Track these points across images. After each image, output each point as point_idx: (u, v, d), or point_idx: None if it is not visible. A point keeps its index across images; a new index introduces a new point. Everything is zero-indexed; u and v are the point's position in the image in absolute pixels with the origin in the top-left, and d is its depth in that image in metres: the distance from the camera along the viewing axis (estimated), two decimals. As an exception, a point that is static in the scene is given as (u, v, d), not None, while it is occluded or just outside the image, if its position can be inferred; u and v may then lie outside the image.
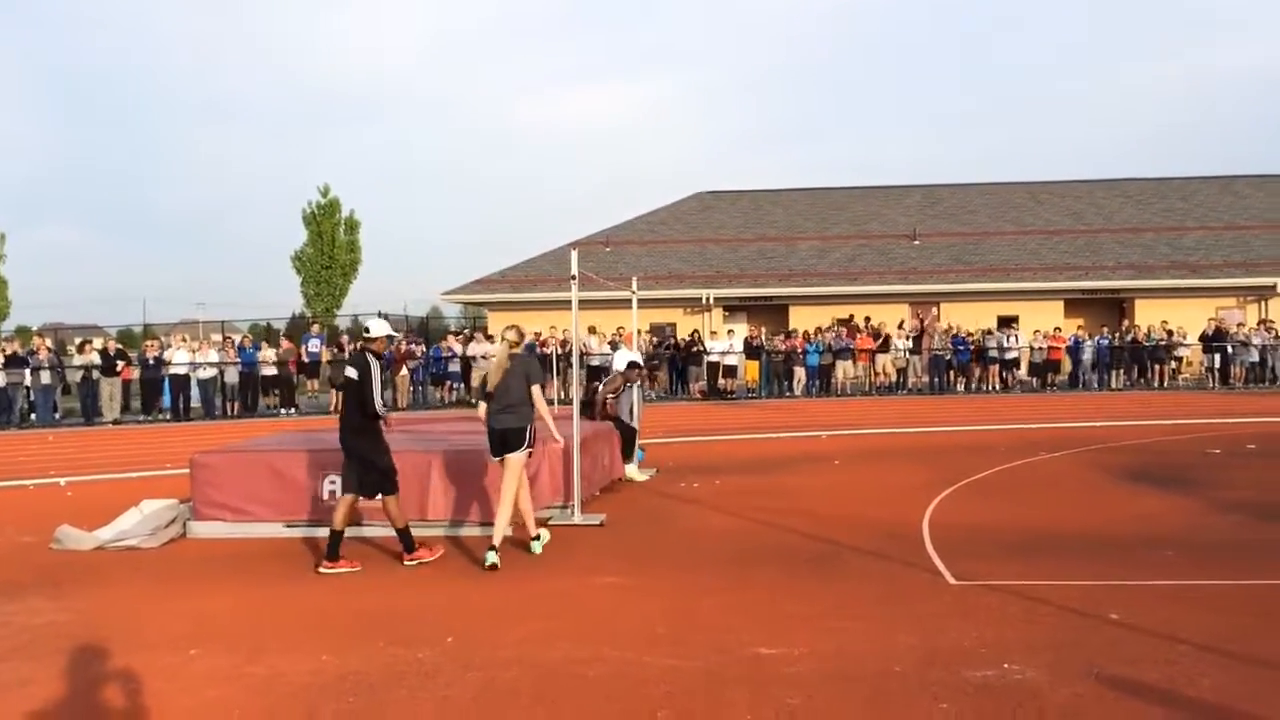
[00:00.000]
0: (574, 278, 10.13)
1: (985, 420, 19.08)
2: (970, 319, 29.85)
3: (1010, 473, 12.46)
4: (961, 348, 27.29)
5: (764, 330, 28.71)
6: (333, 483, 9.38)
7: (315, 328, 27.21)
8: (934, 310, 32.23)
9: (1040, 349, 27.46)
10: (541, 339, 26.30)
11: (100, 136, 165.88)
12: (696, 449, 15.64)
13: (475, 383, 25.78)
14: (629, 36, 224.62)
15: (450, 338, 27.75)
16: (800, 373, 26.75)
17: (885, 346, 27.05)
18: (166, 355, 24.09)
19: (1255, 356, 26.99)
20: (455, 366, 26.23)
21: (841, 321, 28.68)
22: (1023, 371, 28.11)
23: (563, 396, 15.82)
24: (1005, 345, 27.55)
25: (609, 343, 25.76)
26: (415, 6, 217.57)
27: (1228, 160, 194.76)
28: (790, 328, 30.05)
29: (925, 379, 27.32)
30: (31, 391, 23.42)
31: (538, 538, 8.39)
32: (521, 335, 8.66)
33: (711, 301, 33.49)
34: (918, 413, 21.21)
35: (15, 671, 5.66)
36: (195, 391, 24.31)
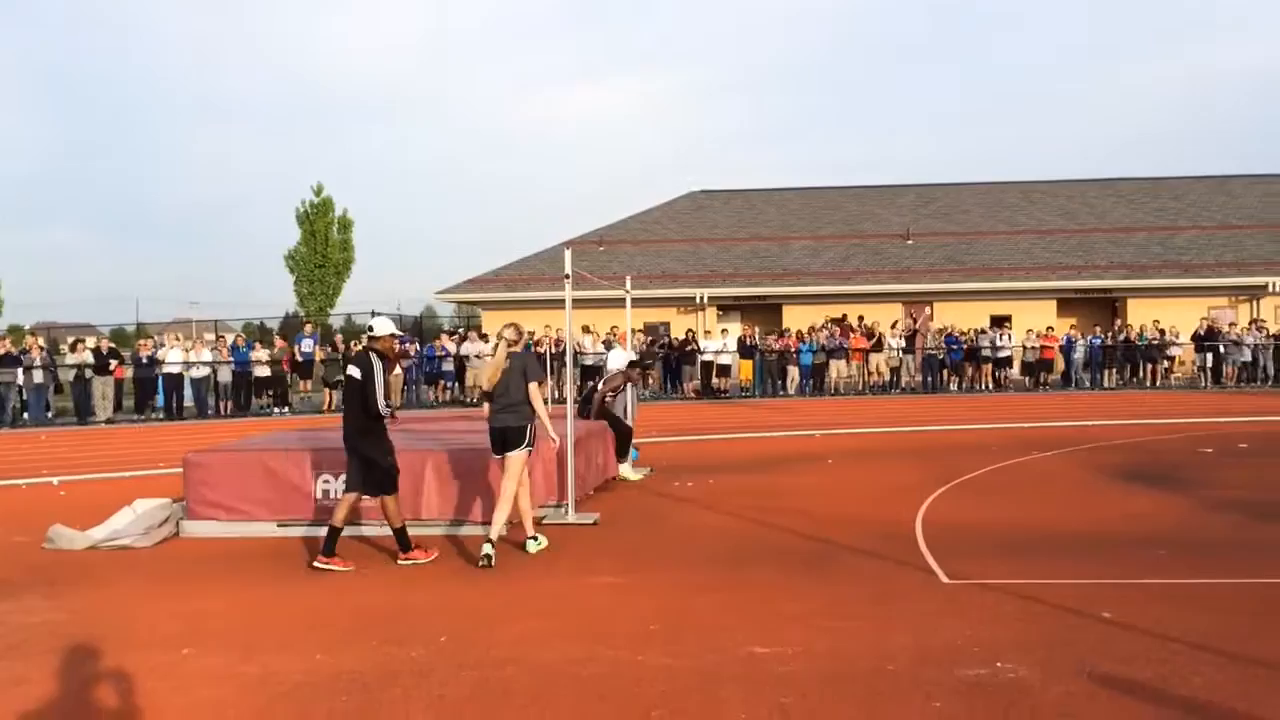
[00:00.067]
0: (568, 277, 10.14)
1: (978, 419, 19.11)
2: (963, 318, 29.91)
3: (1003, 472, 12.48)
4: (955, 347, 27.33)
5: (757, 330, 28.72)
6: (326, 482, 9.40)
7: (308, 327, 27.16)
8: (927, 310, 32.27)
9: (1033, 348, 27.49)
10: (536, 338, 26.29)
11: (94, 136, 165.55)
12: (690, 448, 15.65)
13: (470, 383, 25.83)
14: (624, 36, 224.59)
15: (444, 337, 27.73)
16: (794, 372, 26.77)
17: (879, 346, 27.07)
18: (160, 354, 24.03)
19: (1247, 356, 27.06)
20: (449, 366, 26.20)
21: (835, 321, 28.71)
22: (1015, 371, 28.16)
23: (556, 396, 15.80)
24: (998, 344, 27.59)
25: (603, 342, 25.76)
26: (411, 6, 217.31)
27: (1220, 160, 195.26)
28: (784, 327, 30.07)
29: (918, 378, 27.34)
30: (24, 391, 23.34)
31: (534, 538, 8.38)
32: (520, 333, 8.64)
33: (705, 301, 33.50)
34: (911, 412, 21.23)
35: (9, 670, 5.65)
36: (189, 391, 24.26)
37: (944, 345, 27.36)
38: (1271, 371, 26.93)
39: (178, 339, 26.02)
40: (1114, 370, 27.70)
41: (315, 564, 7.97)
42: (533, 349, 24.37)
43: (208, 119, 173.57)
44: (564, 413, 10.14)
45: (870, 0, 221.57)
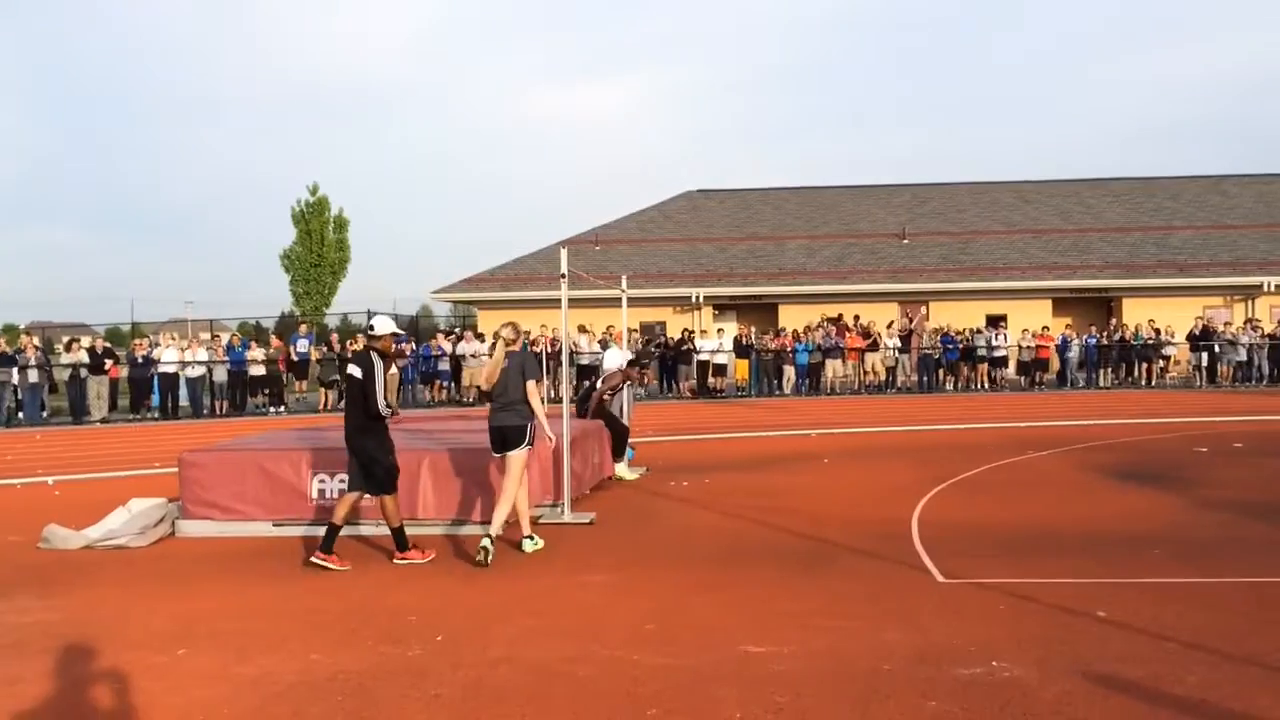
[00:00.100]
0: (564, 276, 10.13)
1: (974, 419, 19.13)
2: (959, 318, 29.94)
3: (998, 471, 12.50)
4: (950, 346, 27.37)
5: (753, 329, 28.74)
6: (322, 482, 9.39)
7: (303, 328, 27.13)
8: (923, 309, 32.29)
9: (1028, 348, 27.53)
10: (532, 338, 26.28)
11: (88, 134, 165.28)
12: (686, 448, 15.65)
13: (466, 382, 25.83)
14: (622, 36, 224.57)
15: (440, 336, 27.72)
16: (790, 371, 26.79)
17: (874, 345, 27.09)
18: (155, 354, 24.01)
19: (1242, 355, 27.12)
20: (445, 365, 26.20)
21: (831, 320, 28.73)
22: (1011, 370, 28.20)
23: (553, 395, 15.81)
24: (993, 344, 27.63)
25: (599, 341, 25.76)
26: (407, 5, 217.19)
27: (1215, 160, 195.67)
28: (780, 327, 30.09)
29: (914, 378, 27.38)
30: (19, 390, 23.28)
31: (530, 538, 8.38)
32: (517, 332, 8.63)
33: (701, 300, 33.51)
34: (907, 412, 21.25)
35: (3, 670, 5.64)
36: (184, 390, 24.23)
37: (940, 345, 27.39)
38: (1266, 371, 27.00)
39: (173, 338, 25.98)
40: (1109, 370, 27.76)
41: (312, 559, 7.97)
42: (528, 349, 24.39)
43: (204, 118, 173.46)
44: (560, 412, 10.14)
45: (866, 0, 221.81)
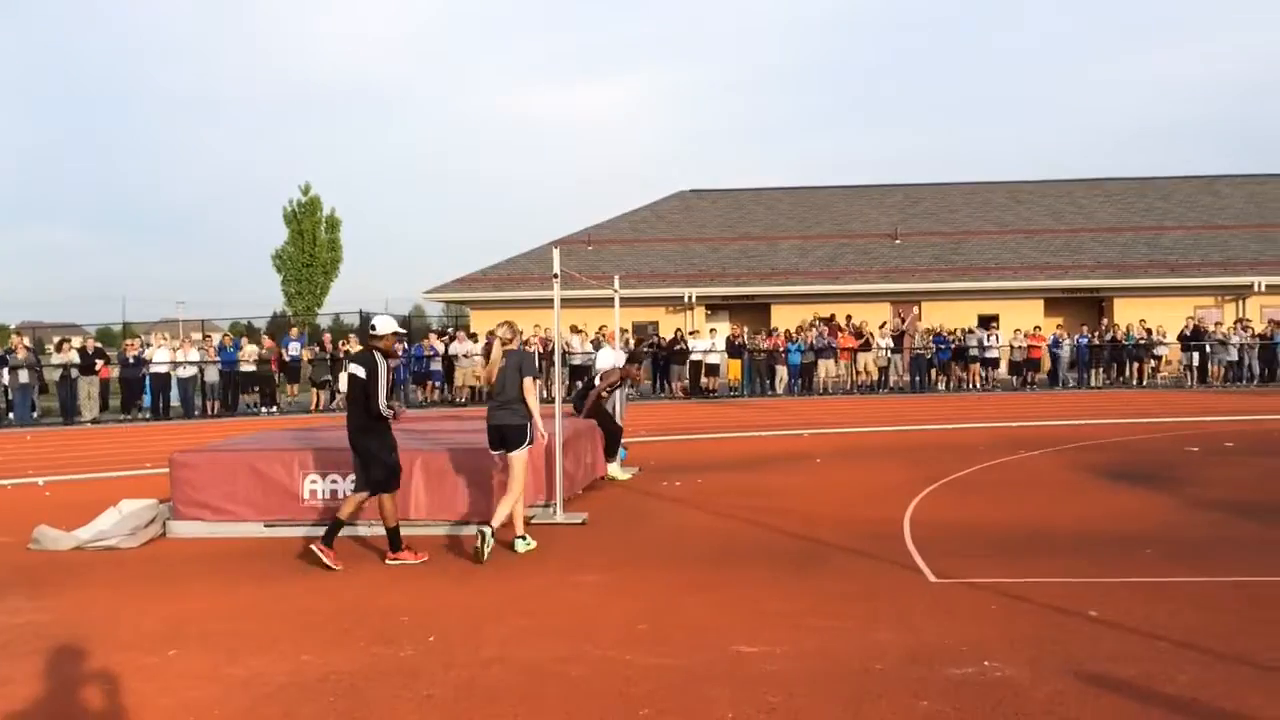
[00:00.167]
0: (556, 276, 10.12)
1: (966, 419, 19.16)
2: (951, 318, 30.00)
3: (990, 471, 12.51)
4: (942, 347, 27.41)
5: (746, 329, 28.75)
6: (314, 482, 9.37)
7: (295, 330, 27.05)
8: (915, 309, 32.35)
9: (1020, 348, 27.59)
10: (525, 338, 26.25)
11: (79, 134, 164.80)
12: (679, 448, 15.65)
13: (459, 382, 25.83)
14: (617, 36, 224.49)
15: (433, 336, 27.69)
16: (782, 371, 26.80)
17: (867, 345, 27.13)
18: (147, 354, 23.94)
19: (1233, 355, 27.20)
20: (437, 365, 26.16)
21: (823, 320, 28.76)
22: (1003, 370, 28.25)
23: (545, 395, 15.79)
24: (985, 344, 27.68)
25: (592, 342, 25.75)
26: (400, 5, 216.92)
27: (1207, 160, 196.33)
28: (772, 326, 30.12)
29: (906, 378, 27.41)
30: (9, 390, 23.21)
31: (523, 538, 8.38)
32: (514, 331, 8.65)
33: (694, 300, 33.52)
34: (899, 411, 21.28)
35: (-8, 672, 5.62)
36: (175, 390, 24.16)
37: (932, 345, 27.43)
38: (1257, 371, 27.08)
39: (164, 339, 25.91)
40: (1101, 370, 27.82)
41: (311, 546, 8.03)
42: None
43: (195, 117, 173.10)
44: (552, 411, 10.13)
45: (860, 1, 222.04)
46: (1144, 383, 27.58)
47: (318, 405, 24.46)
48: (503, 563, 8.02)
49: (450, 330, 30.83)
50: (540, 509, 9.70)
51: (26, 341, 24.71)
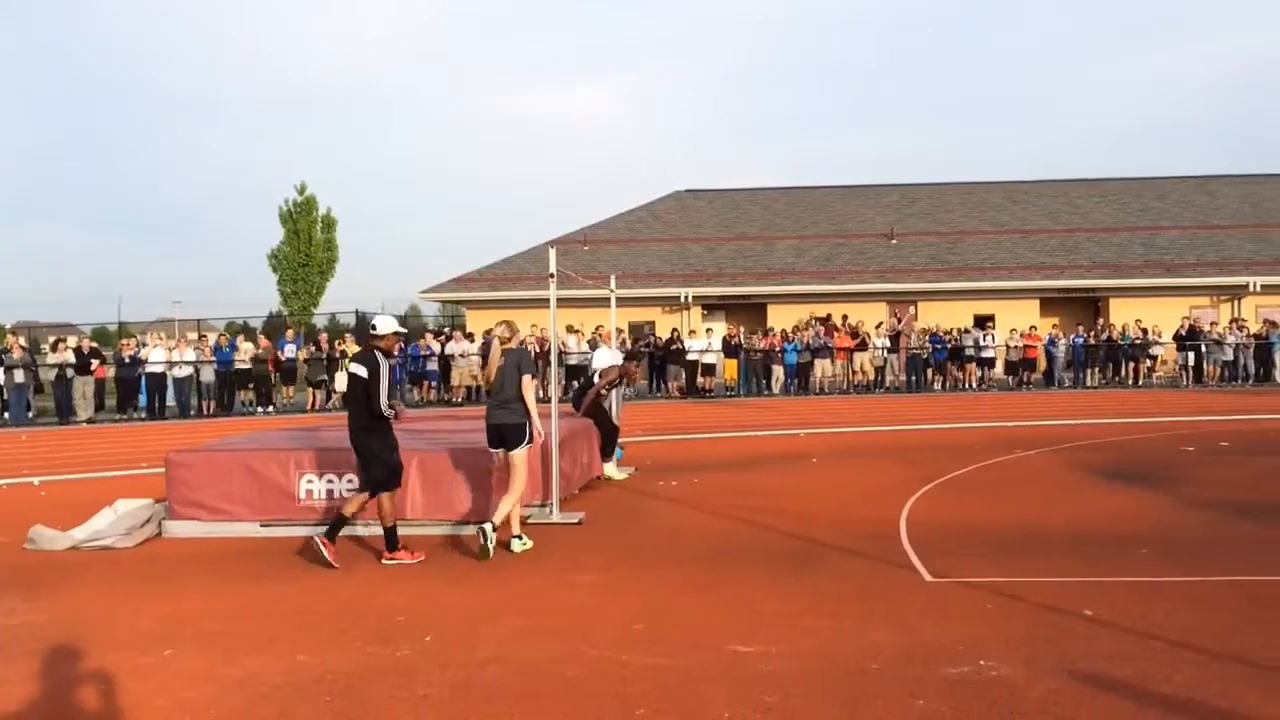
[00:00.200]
0: (552, 276, 10.12)
1: (962, 419, 19.17)
2: (947, 318, 30.01)
3: (986, 471, 12.52)
4: (938, 346, 27.44)
5: (742, 329, 28.77)
6: (310, 482, 9.37)
7: (290, 333, 26.99)
8: (911, 309, 32.36)
9: (1016, 348, 27.61)
10: (521, 338, 26.22)
11: (74, 134, 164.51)
12: (675, 447, 15.65)
13: (455, 382, 25.83)
14: (612, 35, 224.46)
15: (429, 336, 27.68)
16: (778, 371, 26.82)
17: (863, 345, 27.14)
18: (143, 354, 23.91)
19: (1229, 355, 27.24)
20: (433, 365, 26.15)
21: (819, 320, 28.76)
22: (999, 370, 28.27)
23: (541, 395, 15.79)
24: (981, 344, 27.70)
25: (588, 342, 25.75)
26: (394, 5, 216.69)
27: (1202, 161, 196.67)
28: (768, 326, 30.13)
29: (902, 378, 27.42)
30: (4, 390, 23.19)
31: (519, 538, 8.39)
32: (512, 330, 8.70)
33: (690, 300, 33.50)
34: (895, 411, 21.29)
35: (-12, 673, 5.61)
36: (171, 390, 24.13)
37: (928, 344, 27.45)
38: (1252, 370, 27.12)
39: (160, 338, 25.88)
40: (1096, 369, 27.85)
41: (314, 539, 8.08)
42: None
43: (190, 117, 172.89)
44: (549, 411, 10.13)
45: (855, 1, 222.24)
46: (1139, 382, 27.61)
47: (314, 405, 24.45)
48: (499, 563, 8.02)
49: (447, 330, 30.81)
50: (536, 509, 9.70)
51: (22, 341, 24.71)
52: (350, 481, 9.23)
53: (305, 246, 45.18)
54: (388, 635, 6.09)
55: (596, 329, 26.39)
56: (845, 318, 28.36)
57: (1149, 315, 28.84)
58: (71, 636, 6.22)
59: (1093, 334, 28.27)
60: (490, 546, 8.01)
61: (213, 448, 10.40)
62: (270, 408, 24.47)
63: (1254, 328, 28.48)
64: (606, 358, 13.15)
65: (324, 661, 5.62)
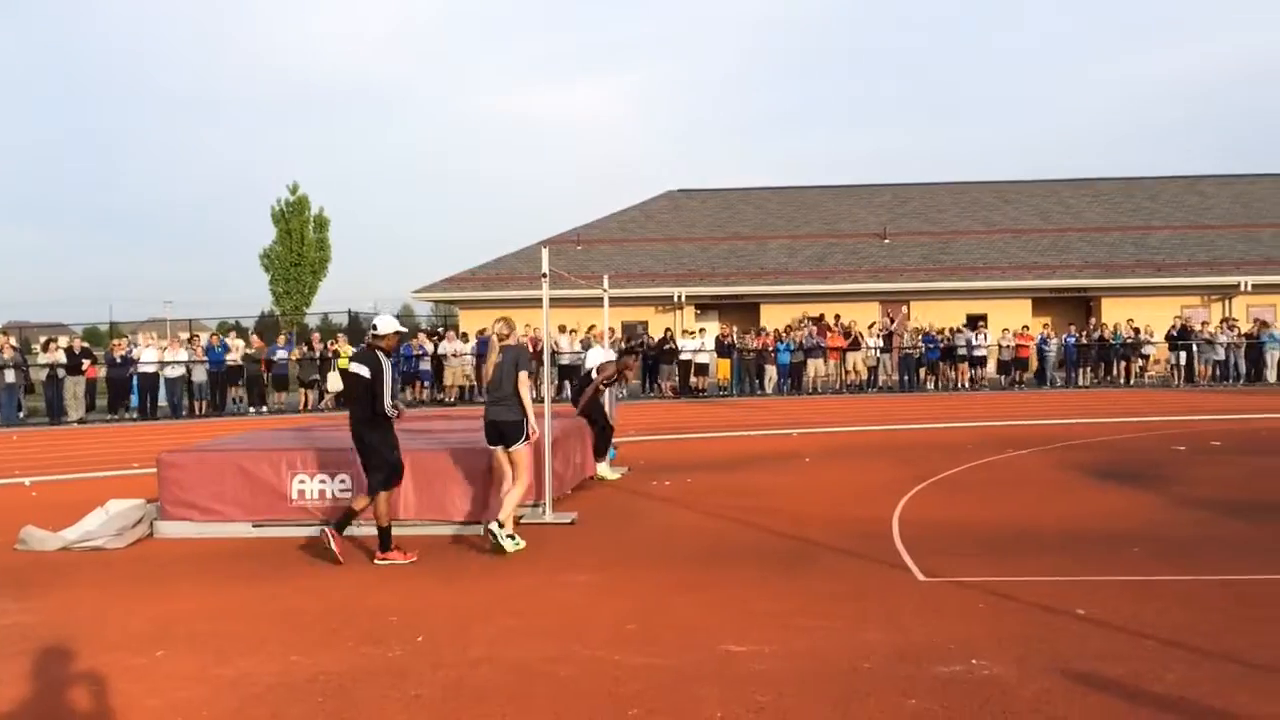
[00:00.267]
0: (545, 276, 10.11)
1: (954, 418, 19.20)
2: (940, 317, 30.06)
3: (978, 470, 12.55)
4: (931, 346, 27.48)
5: (735, 329, 28.79)
6: (302, 482, 9.35)
7: (281, 338, 26.89)
8: (904, 309, 32.42)
9: (1008, 347, 27.67)
10: (519, 335, 26.21)
11: (65, 133, 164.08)
12: (668, 447, 15.65)
13: (448, 381, 25.82)
14: (607, 35, 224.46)
15: (422, 335, 27.65)
16: (771, 371, 26.85)
17: (856, 345, 27.18)
18: (134, 354, 23.85)
19: (1220, 355, 27.32)
20: (426, 365, 26.12)
21: (812, 320, 28.80)
22: (991, 369, 28.33)
23: (534, 395, 15.78)
24: (974, 343, 27.75)
25: (581, 342, 25.75)
26: (400, 4, 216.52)
27: (1193, 161, 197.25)
28: (761, 326, 30.15)
29: (895, 377, 27.49)
30: (-5, 390, 23.12)
31: (512, 538, 8.38)
32: (510, 327, 8.75)
33: (683, 300, 33.53)
34: (888, 411, 21.32)
35: (-22, 674, 5.59)
36: (163, 390, 24.08)
37: (920, 344, 27.50)
38: (1243, 370, 27.21)
39: (152, 338, 25.82)
40: (1088, 369, 27.92)
41: (324, 529, 8.13)
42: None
43: (182, 116, 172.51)
44: (542, 411, 10.12)
45: (849, 1, 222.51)
46: (1131, 382, 27.69)
47: (306, 405, 24.41)
48: (491, 563, 8.01)
49: (440, 330, 30.78)
50: (529, 509, 9.69)
51: (13, 341, 24.61)
52: (343, 482, 9.22)
53: (297, 246, 45.08)
54: (380, 635, 6.08)
55: (590, 329, 26.39)
56: (838, 317, 28.40)
57: (1140, 315, 28.94)
58: (63, 637, 6.20)
59: (1084, 334, 28.34)
60: (502, 544, 8.07)
61: (204, 448, 10.37)
62: (264, 408, 24.42)
63: (1245, 327, 28.57)
64: (600, 357, 13.15)
65: (316, 662, 5.61)
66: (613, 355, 13.56)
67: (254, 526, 9.33)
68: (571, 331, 26.84)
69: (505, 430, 8.42)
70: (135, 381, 23.79)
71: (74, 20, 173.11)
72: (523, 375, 8.41)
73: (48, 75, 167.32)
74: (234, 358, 24.38)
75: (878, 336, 27.78)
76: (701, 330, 28.60)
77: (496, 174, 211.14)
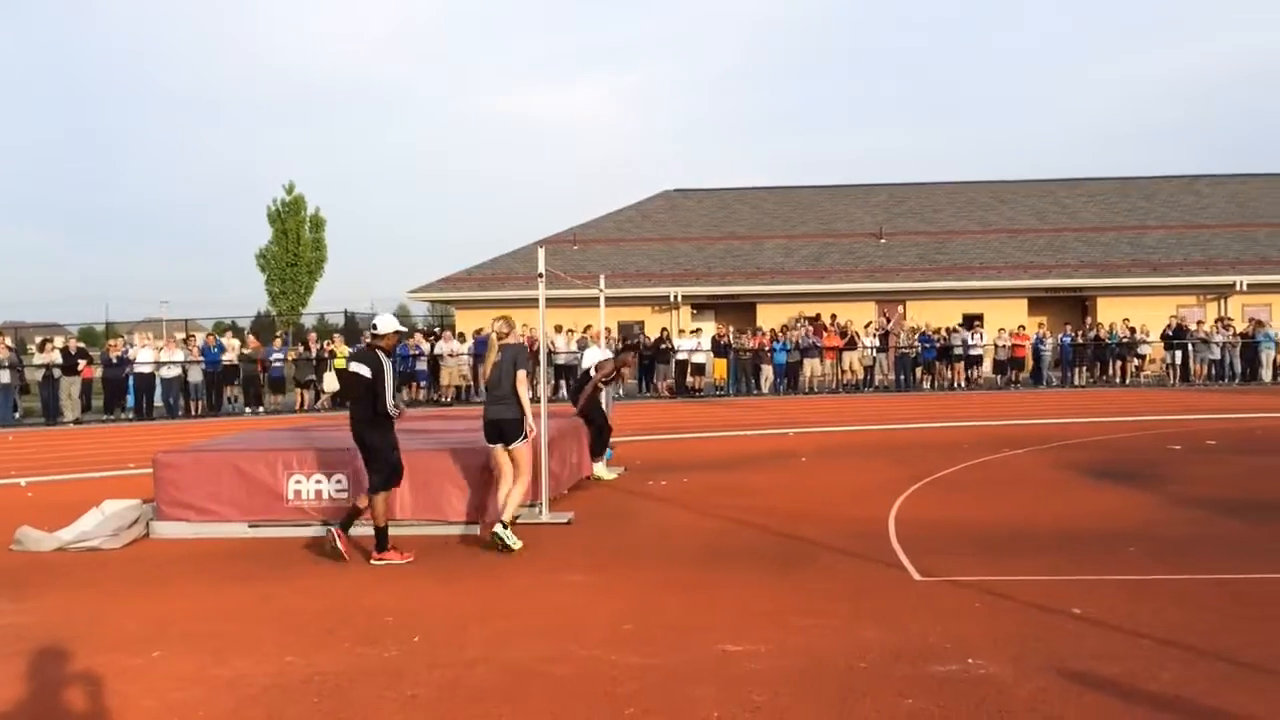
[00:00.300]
0: (541, 275, 10.11)
1: (950, 418, 19.22)
2: (936, 317, 30.09)
3: (975, 470, 12.56)
4: (927, 346, 27.50)
5: (731, 328, 28.80)
6: (298, 482, 9.34)
7: (277, 341, 26.87)
8: (900, 309, 32.44)
9: (1004, 347, 27.69)
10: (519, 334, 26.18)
11: (61, 133, 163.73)
12: (664, 447, 15.65)
13: (445, 381, 25.81)
14: (604, 35, 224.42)
15: (418, 336, 27.63)
16: (768, 371, 26.85)
17: (852, 345, 27.19)
18: (130, 354, 23.82)
19: (1216, 354, 27.37)
20: (422, 365, 26.10)
21: (808, 319, 28.80)
22: (987, 369, 28.35)
23: (530, 395, 15.78)
24: (970, 343, 27.78)
25: (577, 342, 25.74)
26: (400, 4, 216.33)
27: (1189, 160, 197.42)
28: (757, 326, 30.16)
29: (891, 377, 27.49)
30: (-9, 391, 23.08)
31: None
32: (510, 325, 8.75)
33: (679, 300, 33.53)
34: (884, 410, 21.33)
35: (-26, 675, 5.58)
36: (159, 390, 24.04)
37: (917, 344, 27.52)
38: (1239, 369, 27.25)
39: (148, 339, 25.78)
40: (1084, 368, 27.95)
41: (331, 528, 8.18)
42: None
43: (178, 116, 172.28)
44: (539, 410, 10.12)
45: (849, 1, 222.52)
46: (1127, 381, 27.72)
47: (302, 405, 24.39)
48: (488, 563, 8.01)
49: (437, 330, 30.76)
50: (526, 509, 9.68)
51: (8, 341, 24.57)
52: (339, 482, 9.22)
53: (293, 246, 45.03)
54: (376, 636, 6.07)
55: (586, 329, 26.38)
56: (834, 317, 28.41)
57: (1136, 314, 28.97)
58: (59, 638, 6.19)
59: (1080, 333, 28.37)
60: (509, 543, 8.11)
61: (200, 448, 10.36)
62: (260, 408, 24.40)
63: (1240, 327, 28.63)
64: (597, 357, 13.14)
65: (312, 662, 5.60)
66: (609, 355, 13.55)
67: (250, 527, 9.32)
68: (568, 332, 26.82)
69: (505, 428, 8.44)
70: (131, 382, 23.73)
71: (74, 20, 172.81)
72: (521, 374, 8.43)
73: (48, 75, 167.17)
74: (230, 358, 24.38)
75: (874, 336, 27.78)
76: (698, 330, 28.60)
77: (496, 174, 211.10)
